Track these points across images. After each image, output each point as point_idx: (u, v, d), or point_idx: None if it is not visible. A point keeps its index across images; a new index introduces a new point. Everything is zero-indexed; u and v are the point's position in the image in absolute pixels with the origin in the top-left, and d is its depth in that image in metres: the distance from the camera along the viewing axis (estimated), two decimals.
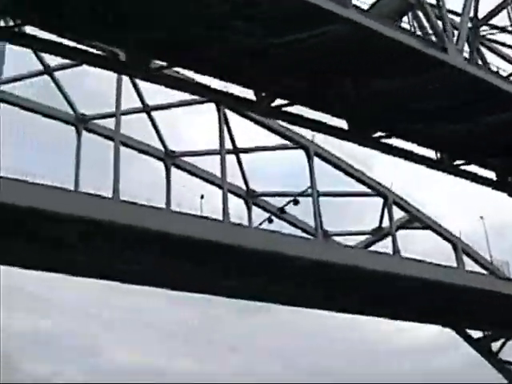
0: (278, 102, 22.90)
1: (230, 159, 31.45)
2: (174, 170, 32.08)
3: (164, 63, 20.89)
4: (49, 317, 50.72)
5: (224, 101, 25.69)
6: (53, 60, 29.04)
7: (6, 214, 23.88)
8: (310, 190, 32.26)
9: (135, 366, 51.05)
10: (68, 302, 49.36)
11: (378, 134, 24.94)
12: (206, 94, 24.02)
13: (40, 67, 29.75)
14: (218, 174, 31.07)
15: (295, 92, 22.37)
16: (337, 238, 35.41)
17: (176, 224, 27.07)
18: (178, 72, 23.23)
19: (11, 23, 20.13)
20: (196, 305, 43.85)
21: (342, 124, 24.19)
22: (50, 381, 47.32)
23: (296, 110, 23.43)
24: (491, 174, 29.66)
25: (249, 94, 22.46)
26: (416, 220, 36.49)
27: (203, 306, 45.11)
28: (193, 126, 33.53)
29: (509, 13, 26.11)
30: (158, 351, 52.57)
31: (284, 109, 23.07)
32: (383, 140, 25.28)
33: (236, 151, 32.40)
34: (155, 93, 30.49)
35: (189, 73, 22.06)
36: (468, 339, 40.78)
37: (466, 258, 37.22)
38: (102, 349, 52.46)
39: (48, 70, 29.51)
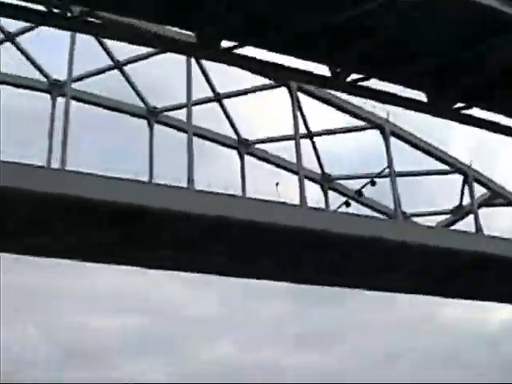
0: (353, 76, 22.26)
1: (303, 144, 30.96)
2: (247, 158, 31.76)
3: (234, 43, 20.45)
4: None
5: (297, 78, 25.07)
6: (121, 54, 29.21)
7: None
8: (387, 171, 31.52)
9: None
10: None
11: (458, 104, 24.09)
12: (278, 73, 23.53)
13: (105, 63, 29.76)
14: (292, 160, 30.70)
15: (371, 65, 21.68)
16: (414, 219, 34.56)
17: (254, 211, 26.70)
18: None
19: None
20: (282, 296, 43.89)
21: (420, 96, 23.43)
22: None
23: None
24: None
25: (322, 70, 21.88)
26: (499, 196, 35.33)
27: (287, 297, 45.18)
28: (263, 113, 33.13)
29: None
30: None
31: (360, 83, 22.39)
32: (464, 111, 24.40)
33: (310, 135, 31.85)
34: (224, 81, 30.48)
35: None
36: None
37: None
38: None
39: (118, 65, 29.43)
